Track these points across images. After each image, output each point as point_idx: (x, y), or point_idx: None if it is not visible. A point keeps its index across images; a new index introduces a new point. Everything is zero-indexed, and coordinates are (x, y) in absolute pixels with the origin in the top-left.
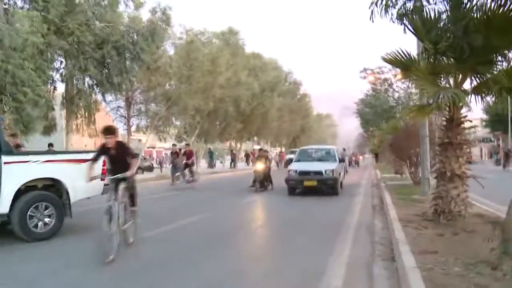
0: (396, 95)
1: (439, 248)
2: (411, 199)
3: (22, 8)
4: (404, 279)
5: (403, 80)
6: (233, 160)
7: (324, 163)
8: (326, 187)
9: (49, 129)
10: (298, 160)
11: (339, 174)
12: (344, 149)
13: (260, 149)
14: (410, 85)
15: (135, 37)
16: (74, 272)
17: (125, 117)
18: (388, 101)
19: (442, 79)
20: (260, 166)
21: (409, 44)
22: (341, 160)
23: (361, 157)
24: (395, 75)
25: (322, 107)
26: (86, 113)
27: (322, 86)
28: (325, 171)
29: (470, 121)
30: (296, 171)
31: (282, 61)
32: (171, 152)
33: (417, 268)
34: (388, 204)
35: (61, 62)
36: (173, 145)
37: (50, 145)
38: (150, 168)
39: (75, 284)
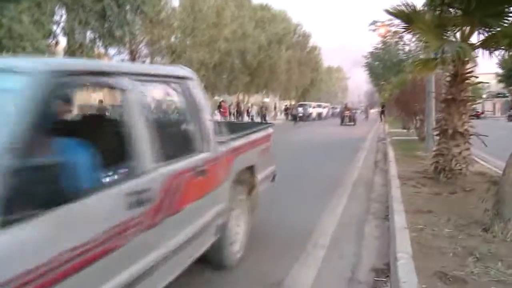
0: (407, 48)
1: (434, 208)
2: (414, 155)
3: None
4: (392, 239)
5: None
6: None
7: None
8: None
9: None
10: None
11: None
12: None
13: None
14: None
15: None
16: None
17: None
18: (398, 55)
19: (449, 32)
20: None
21: None
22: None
23: (370, 111)
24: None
25: (332, 60)
26: None
27: (333, 39)
28: None
29: (476, 76)
30: None
31: (292, 13)
32: None
33: (407, 228)
34: (390, 160)
35: (61, 15)
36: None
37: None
38: None
39: None
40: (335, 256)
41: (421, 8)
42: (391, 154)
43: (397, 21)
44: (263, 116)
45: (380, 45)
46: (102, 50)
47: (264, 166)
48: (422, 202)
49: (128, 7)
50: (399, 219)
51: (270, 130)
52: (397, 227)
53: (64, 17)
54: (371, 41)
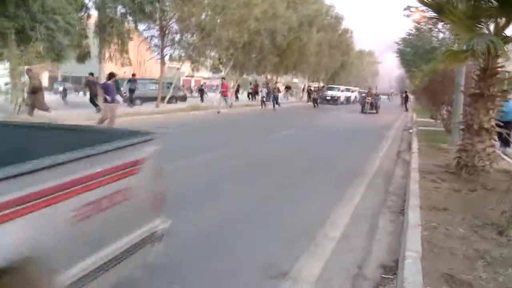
0: (441, 35)
1: (450, 205)
2: (438, 147)
3: None
4: (403, 236)
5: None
6: (254, 93)
7: None
8: None
9: (83, 56)
10: None
11: None
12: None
13: None
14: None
15: None
16: None
17: (159, 47)
18: (431, 42)
19: (482, 24)
20: None
21: None
22: None
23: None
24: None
25: (364, 44)
26: (119, 42)
27: (366, 22)
28: None
29: (507, 71)
30: None
31: None
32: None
33: (420, 226)
34: (413, 151)
35: None
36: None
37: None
38: (183, 98)
39: None
40: (345, 249)
41: None
42: (415, 145)
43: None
44: (275, 98)
45: (413, 31)
46: (132, 25)
47: (111, 235)
48: (439, 198)
49: None
50: (413, 215)
51: (139, 150)
52: (410, 223)
53: None
54: (405, 27)
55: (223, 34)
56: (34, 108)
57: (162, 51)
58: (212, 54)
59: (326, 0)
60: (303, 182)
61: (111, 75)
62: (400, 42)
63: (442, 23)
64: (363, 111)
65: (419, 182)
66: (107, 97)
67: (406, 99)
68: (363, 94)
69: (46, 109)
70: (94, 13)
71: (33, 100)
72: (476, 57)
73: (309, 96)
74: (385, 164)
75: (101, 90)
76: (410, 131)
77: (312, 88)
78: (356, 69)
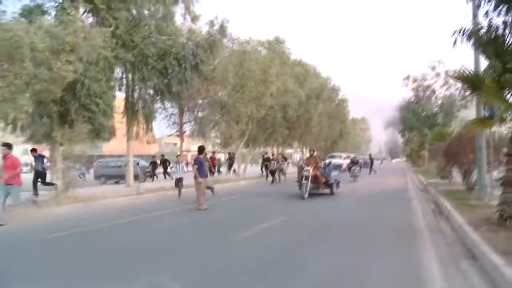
0: (439, 101)
1: None
2: (468, 204)
3: (94, 25)
4: (500, 275)
5: (446, 87)
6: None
7: None
8: None
9: (110, 135)
10: None
11: None
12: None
13: None
14: (453, 93)
15: (195, 48)
16: None
17: (177, 124)
18: (431, 108)
19: (506, 91)
20: None
21: (451, 54)
22: None
23: (393, 161)
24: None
25: (353, 110)
26: (145, 121)
27: (353, 88)
28: None
29: None
30: None
31: (320, 67)
32: None
33: (507, 266)
34: (448, 208)
35: (123, 72)
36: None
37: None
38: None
39: None
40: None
41: (478, 73)
42: (446, 203)
43: (429, 76)
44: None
45: (413, 99)
46: (158, 104)
47: None
48: (505, 245)
49: (187, 65)
50: (495, 258)
51: None
52: (498, 263)
53: (125, 74)
54: (395, 92)
55: (242, 110)
56: None
57: (181, 127)
58: (225, 129)
59: (322, 72)
60: (373, 241)
61: (202, 149)
62: (401, 109)
63: (438, 91)
64: (301, 192)
65: (475, 233)
66: (202, 173)
67: (371, 163)
68: (300, 162)
69: None
70: (118, 94)
71: None
72: (505, 122)
73: (266, 167)
74: (429, 221)
75: (195, 166)
76: (427, 192)
77: (270, 155)
78: (351, 137)
